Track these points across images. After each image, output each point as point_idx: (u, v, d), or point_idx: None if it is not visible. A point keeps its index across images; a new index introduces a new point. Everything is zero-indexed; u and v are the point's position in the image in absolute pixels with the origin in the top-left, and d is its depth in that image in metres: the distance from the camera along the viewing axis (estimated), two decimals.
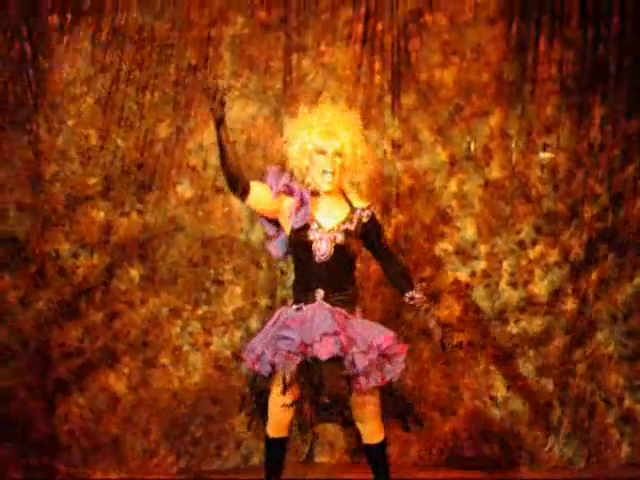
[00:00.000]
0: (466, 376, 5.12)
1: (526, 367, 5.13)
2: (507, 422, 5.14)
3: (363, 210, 3.91)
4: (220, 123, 3.70)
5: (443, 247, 5.11)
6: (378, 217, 4.03)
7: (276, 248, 4.01)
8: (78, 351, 5.02)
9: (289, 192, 3.88)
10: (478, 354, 5.15)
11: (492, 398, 5.13)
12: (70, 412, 5.03)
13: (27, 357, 5.00)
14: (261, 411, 4.03)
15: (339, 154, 3.77)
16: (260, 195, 3.81)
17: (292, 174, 3.92)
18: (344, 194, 3.94)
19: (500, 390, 5.12)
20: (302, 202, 3.88)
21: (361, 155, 3.88)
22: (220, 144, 3.71)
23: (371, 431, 3.86)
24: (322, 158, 3.77)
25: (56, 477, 5.00)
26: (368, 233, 3.93)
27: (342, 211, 3.90)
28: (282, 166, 4.01)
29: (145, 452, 5.08)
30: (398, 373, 3.82)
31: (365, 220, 3.90)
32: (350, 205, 3.92)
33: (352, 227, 3.88)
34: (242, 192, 3.79)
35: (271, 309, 4.97)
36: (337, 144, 3.77)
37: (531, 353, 5.13)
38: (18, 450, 4.98)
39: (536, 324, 5.12)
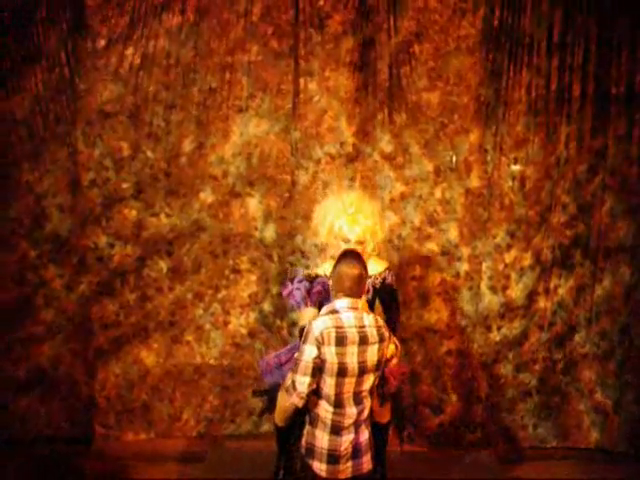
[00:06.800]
0: (455, 381, 5.51)
1: (506, 368, 5.51)
2: (488, 413, 5.53)
3: (376, 278, 4.39)
4: None
5: (430, 247, 5.42)
6: (391, 279, 4.43)
7: None
8: (115, 324, 5.41)
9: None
10: (465, 361, 5.52)
11: (477, 398, 5.54)
12: (107, 380, 5.44)
13: (72, 329, 5.39)
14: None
15: (360, 242, 4.25)
16: None
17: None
18: None
19: (484, 390, 5.53)
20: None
21: (379, 240, 4.37)
22: None
23: None
24: (347, 245, 4.24)
25: (94, 436, 5.46)
26: (380, 292, 4.43)
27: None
28: None
29: (170, 417, 5.56)
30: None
31: (377, 286, 4.41)
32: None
33: (369, 296, 4.33)
34: None
35: (281, 296, 5.15)
36: (359, 231, 4.25)
37: (510, 355, 5.50)
38: (65, 408, 5.46)
39: (514, 327, 5.47)
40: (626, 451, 5.44)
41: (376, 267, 4.42)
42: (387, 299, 4.47)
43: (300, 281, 4.29)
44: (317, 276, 4.29)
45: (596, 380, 5.52)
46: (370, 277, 4.32)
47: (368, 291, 4.33)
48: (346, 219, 4.31)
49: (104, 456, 5.32)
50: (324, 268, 4.38)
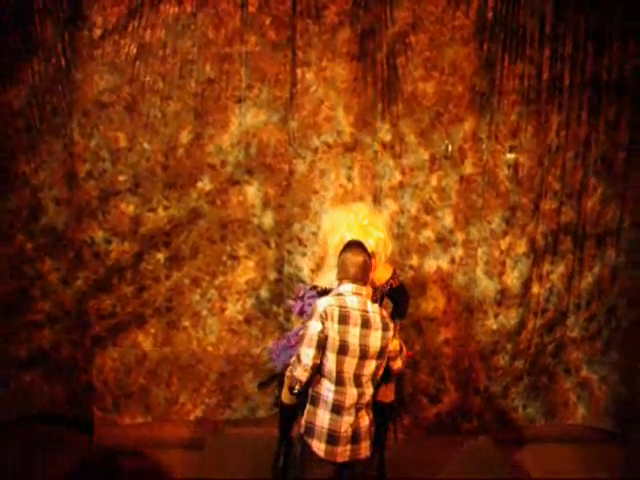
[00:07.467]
0: (452, 370, 5.58)
1: (505, 359, 5.60)
2: (485, 403, 5.60)
3: (384, 286, 4.47)
4: None
5: (426, 235, 5.46)
6: (396, 282, 4.56)
7: None
8: (111, 314, 5.40)
9: None
10: (462, 350, 5.56)
11: (475, 389, 5.62)
12: (105, 365, 5.46)
13: (69, 320, 5.40)
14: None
15: (373, 254, 4.19)
16: None
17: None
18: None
19: (482, 382, 5.61)
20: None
21: (389, 252, 4.38)
22: None
23: None
24: None
25: (93, 419, 5.46)
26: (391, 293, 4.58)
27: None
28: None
29: (167, 401, 5.60)
30: None
31: (386, 292, 4.49)
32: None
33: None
34: None
35: (278, 282, 5.48)
36: (372, 243, 4.26)
37: (508, 346, 5.57)
38: (66, 389, 5.47)
39: (511, 317, 5.54)
40: (613, 431, 5.59)
41: (383, 274, 4.49)
42: (394, 295, 4.58)
43: (312, 296, 4.37)
44: (327, 289, 4.32)
45: (583, 358, 5.67)
46: (378, 287, 4.44)
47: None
48: (358, 231, 4.31)
49: (105, 443, 5.33)
50: (329, 279, 4.38)
